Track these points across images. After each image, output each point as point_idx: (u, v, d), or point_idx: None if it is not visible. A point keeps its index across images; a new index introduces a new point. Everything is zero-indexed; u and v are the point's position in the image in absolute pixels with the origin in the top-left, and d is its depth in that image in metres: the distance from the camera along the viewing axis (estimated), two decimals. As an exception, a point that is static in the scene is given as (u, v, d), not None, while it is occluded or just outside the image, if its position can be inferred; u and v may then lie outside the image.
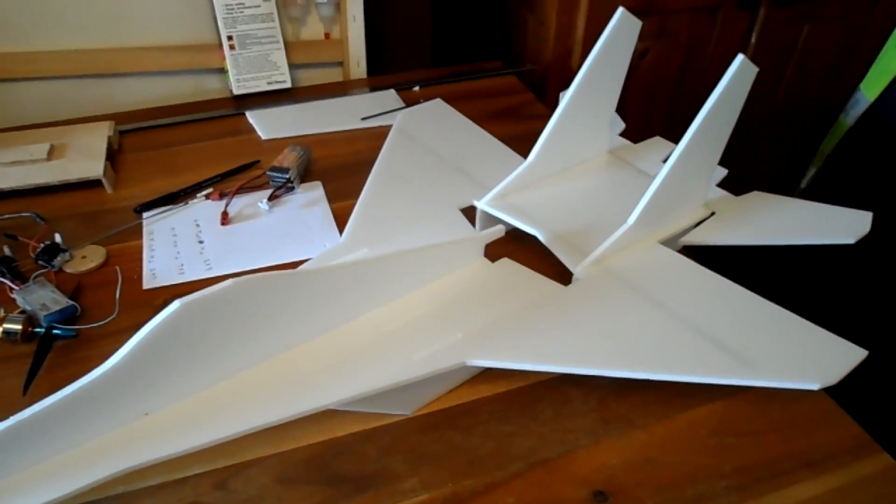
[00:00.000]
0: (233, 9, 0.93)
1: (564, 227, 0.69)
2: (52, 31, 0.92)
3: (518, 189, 0.73)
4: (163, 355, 0.48)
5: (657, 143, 0.82)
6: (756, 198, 0.74)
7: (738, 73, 0.63)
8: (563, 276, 0.66)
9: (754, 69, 0.64)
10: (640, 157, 0.80)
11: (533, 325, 0.59)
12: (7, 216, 0.75)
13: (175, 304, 0.46)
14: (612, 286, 0.63)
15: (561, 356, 0.57)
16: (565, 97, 0.71)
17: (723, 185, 0.76)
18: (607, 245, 0.65)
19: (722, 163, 0.75)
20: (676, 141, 0.65)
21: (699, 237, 0.70)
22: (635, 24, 0.72)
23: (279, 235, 0.74)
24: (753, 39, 1.14)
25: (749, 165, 1.30)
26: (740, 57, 0.63)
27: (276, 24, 0.96)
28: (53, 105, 0.94)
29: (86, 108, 0.95)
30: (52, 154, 0.81)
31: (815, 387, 0.54)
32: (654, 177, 0.65)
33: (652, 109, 1.18)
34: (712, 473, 0.53)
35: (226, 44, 0.95)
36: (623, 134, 0.86)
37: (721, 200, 0.74)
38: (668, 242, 0.69)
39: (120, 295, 0.66)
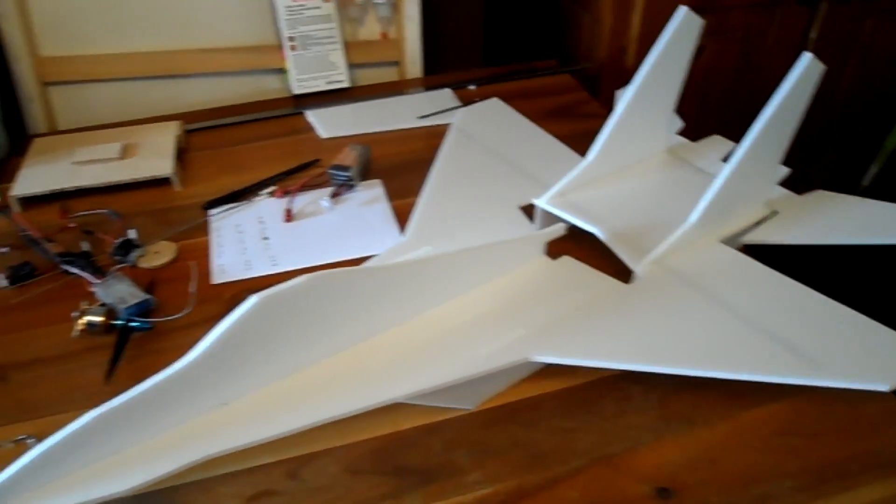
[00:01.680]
0: (294, 10, 0.96)
1: (623, 226, 0.69)
2: (123, 35, 0.96)
3: (577, 187, 0.73)
4: (240, 347, 0.50)
5: (716, 142, 0.82)
6: (819, 197, 0.73)
7: (805, 71, 0.62)
8: (621, 274, 0.66)
9: (820, 67, 0.64)
10: (699, 156, 0.79)
11: (595, 322, 0.60)
12: (83, 213, 0.79)
13: (253, 299, 0.48)
14: (674, 284, 0.63)
15: (623, 353, 0.57)
16: (625, 96, 0.71)
17: (784, 183, 0.76)
18: (668, 243, 0.65)
19: (783, 161, 0.74)
20: (734, 139, 0.65)
21: (762, 236, 0.69)
22: (697, 23, 0.72)
23: (341, 232, 0.76)
24: (813, 35, 1.12)
25: (811, 164, 1.28)
26: (807, 55, 0.62)
27: (336, 24, 0.98)
28: (122, 105, 0.98)
29: (152, 107, 0.98)
30: (124, 153, 0.85)
31: (885, 388, 0.54)
32: (713, 175, 0.65)
33: (706, 107, 1.17)
34: (777, 473, 0.53)
35: (287, 45, 0.97)
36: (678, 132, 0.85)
37: (783, 199, 0.73)
38: (729, 241, 0.68)
39: (196, 290, 0.69)
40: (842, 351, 0.57)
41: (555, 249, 0.68)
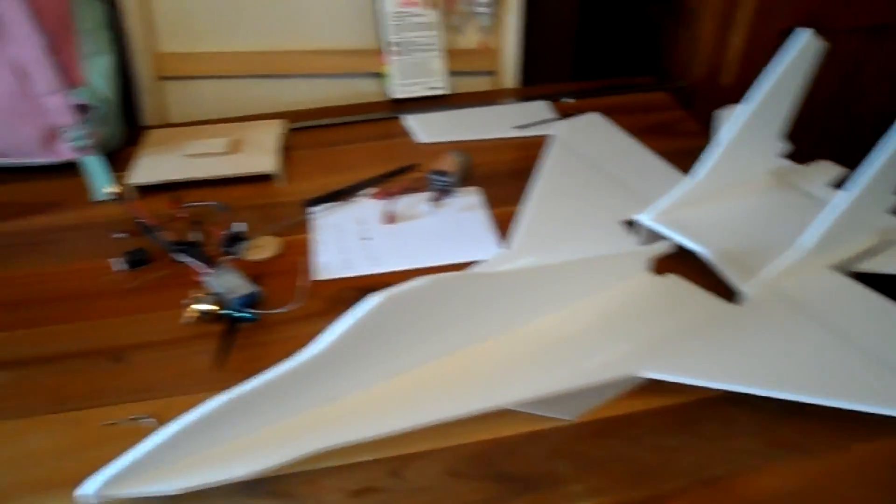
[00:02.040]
0: (400, 17, 0.98)
1: (729, 246, 0.68)
2: (234, 35, 0.99)
3: (680, 205, 0.72)
4: (357, 344, 0.51)
5: (824, 167, 0.80)
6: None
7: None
8: (724, 296, 0.65)
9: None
10: (806, 180, 0.78)
11: (702, 341, 0.59)
12: (193, 204, 0.82)
13: (377, 297, 0.50)
14: (783, 308, 0.62)
15: (732, 374, 0.57)
16: (738, 115, 0.70)
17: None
18: (778, 266, 0.64)
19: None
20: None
21: (875, 265, 0.67)
22: (818, 47, 0.70)
23: (440, 237, 0.77)
24: (924, 61, 1.09)
25: None
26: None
27: (438, 32, 1.00)
28: (226, 101, 1.01)
29: (254, 105, 1.01)
30: (231, 148, 0.88)
31: None
32: (822, 200, 0.64)
33: (804, 130, 1.14)
34: (893, 512, 0.51)
35: (390, 50, 0.99)
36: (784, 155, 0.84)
37: (894, 228, 0.71)
38: (838, 268, 0.67)
39: (305, 285, 0.71)
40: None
41: (658, 267, 0.68)
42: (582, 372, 0.56)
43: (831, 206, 0.63)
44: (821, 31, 1.03)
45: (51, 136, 0.84)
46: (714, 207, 0.73)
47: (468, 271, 0.57)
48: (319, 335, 0.51)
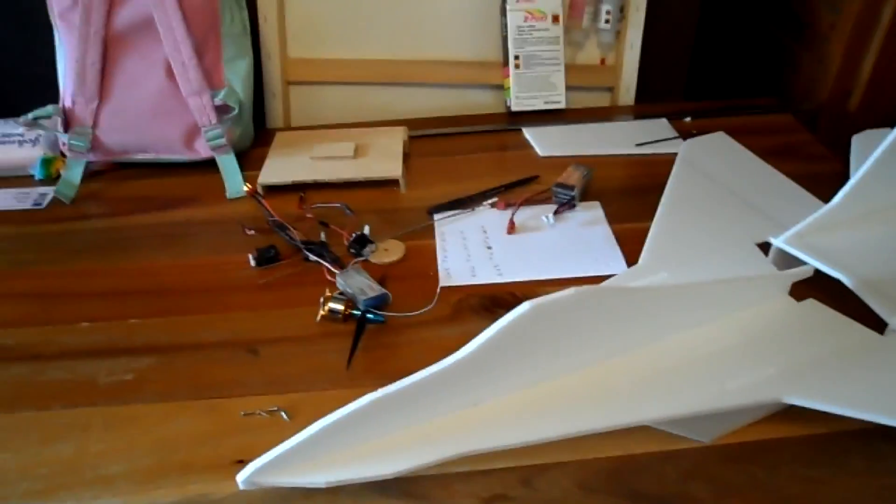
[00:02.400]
0: (524, 30, 0.99)
1: (873, 274, 0.66)
2: (359, 42, 1.02)
3: (817, 230, 0.70)
4: (503, 351, 0.51)
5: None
6: None
7: None
8: (866, 324, 0.63)
9: None
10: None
11: (849, 370, 0.57)
12: (319, 205, 0.84)
13: (525, 306, 0.50)
14: (935, 341, 0.59)
15: (883, 406, 0.54)
16: (888, 139, 0.68)
17: None
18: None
19: None
20: None
21: None
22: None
23: (563, 250, 0.77)
24: None
25: None
26: None
27: (561, 46, 1.01)
28: (348, 108, 1.04)
29: (374, 112, 1.04)
30: (356, 153, 0.90)
31: None
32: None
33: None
34: None
35: (512, 62, 1.00)
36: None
37: None
38: None
39: (435, 289, 0.72)
40: None
41: (795, 292, 0.66)
42: (724, 394, 0.55)
43: None
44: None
45: (192, 134, 0.89)
46: (855, 233, 0.71)
47: (607, 285, 0.56)
48: (467, 342, 0.51)
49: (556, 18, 0.99)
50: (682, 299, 0.59)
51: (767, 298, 0.63)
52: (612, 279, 0.69)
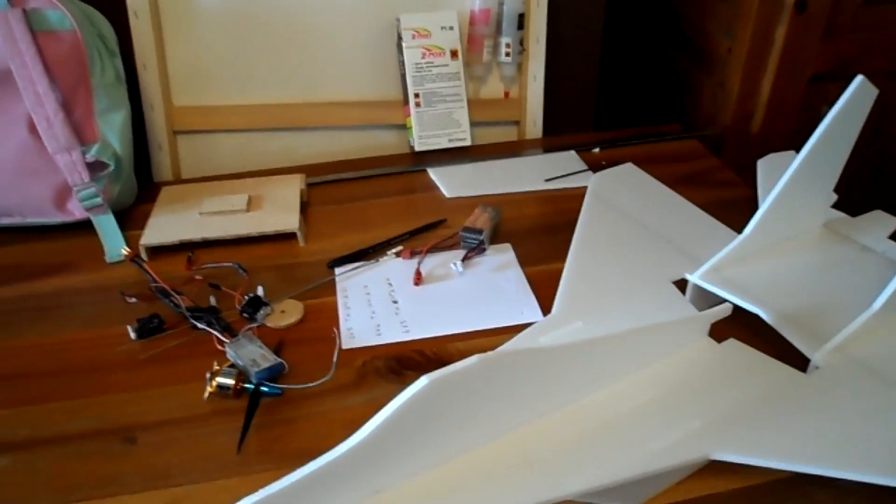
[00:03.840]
0: (422, 67, 0.95)
1: (790, 307, 0.64)
2: (250, 87, 0.96)
3: (731, 262, 0.68)
4: (403, 432, 0.46)
5: (879, 218, 0.76)
6: None
7: None
8: (788, 359, 0.60)
9: None
10: (862, 232, 0.73)
11: (775, 416, 0.55)
12: (210, 265, 0.78)
13: (423, 381, 0.45)
14: (860, 377, 0.57)
15: (812, 454, 0.51)
16: (792, 167, 0.66)
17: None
18: (850, 330, 0.59)
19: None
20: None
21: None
22: (871, 93, 0.67)
23: (474, 299, 0.72)
24: (962, 107, 1.05)
25: None
26: None
27: (462, 82, 0.97)
28: (243, 155, 0.98)
29: (271, 158, 0.98)
30: (250, 205, 0.84)
31: None
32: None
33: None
34: None
35: (412, 101, 0.96)
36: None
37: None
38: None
39: (338, 358, 0.66)
40: None
41: (716, 331, 0.63)
42: (649, 455, 0.51)
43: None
44: (850, 77, 1.01)
45: (64, 193, 0.81)
46: (767, 264, 0.69)
47: (515, 347, 0.52)
48: (374, 411, 0.46)
49: (454, 54, 0.95)
50: (598, 354, 0.55)
51: (687, 343, 0.60)
52: (524, 333, 0.65)
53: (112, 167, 0.80)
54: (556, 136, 1.05)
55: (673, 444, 0.51)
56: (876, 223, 0.75)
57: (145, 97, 0.91)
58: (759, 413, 0.54)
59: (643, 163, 0.95)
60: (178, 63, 0.93)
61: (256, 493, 0.43)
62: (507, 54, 0.97)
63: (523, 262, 0.78)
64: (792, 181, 0.66)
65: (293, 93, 0.97)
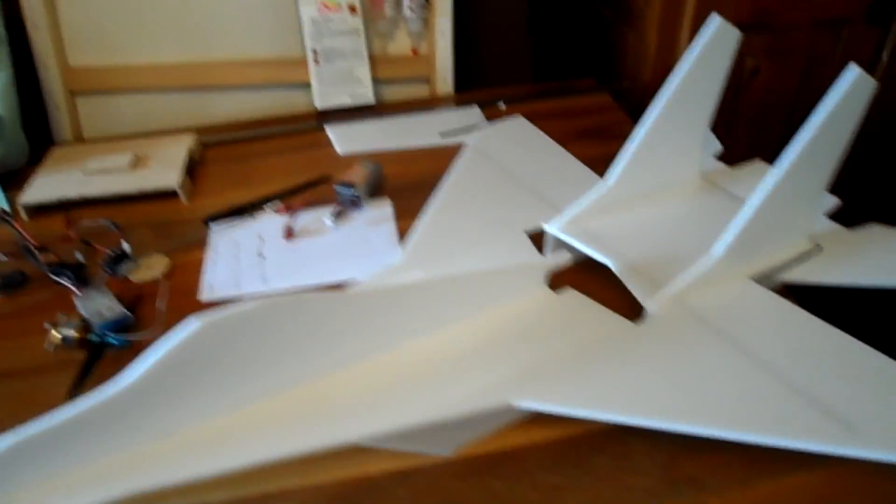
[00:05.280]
0: (319, 23, 0.93)
1: (642, 258, 0.62)
2: (150, 47, 0.95)
3: (594, 214, 0.66)
4: (182, 374, 0.45)
5: (758, 168, 0.73)
6: (874, 232, 0.64)
7: (852, 87, 0.54)
8: (638, 313, 0.59)
9: (871, 84, 0.55)
10: (738, 183, 0.71)
11: (594, 365, 0.53)
12: (87, 223, 0.77)
13: (194, 323, 0.44)
14: (690, 326, 0.55)
15: (624, 404, 0.50)
16: (650, 113, 0.64)
17: (836, 217, 0.67)
18: (687, 278, 0.57)
19: (835, 192, 0.65)
20: None
21: (801, 275, 0.60)
22: (733, 35, 0.64)
23: (341, 253, 0.71)
24: (885, 57, 1.01)
25: (867, 196, 1.16)
26: (854, 68, 0.54)
27: (363, 38, 0.95)
28: (147, 116, 0.97)
29: (177, 120, 0.97)
30: (134, 164, 0.83)
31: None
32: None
33: (763, 134, 1.08)
34: (797, 558, 0.45)
35: (311, 57, 0.94)
36: (728, 160, 0.77)
37: (831, 234, 0.64)
38: (763, 279, 0.60)
39: (165, 308, 0.65)
40: (891, 416, 0.48)
41: (565, 281, 0.62)
42: (451, 403, 0.49)
43: (743, 209, 0.57)
44: (775, 25, 0.98)
45: (-62, 154, 0.81)
46: (633, 215, 0.67)
47: (317, 292, 0.50)
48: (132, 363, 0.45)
49: (353, 9, 0.93)
50: (420, 300, 0.53)
51: (522, 291, 0.58)
52: (359, 282, 0.64)
53: (-10, 127, 0.80)
54: (468, 91, 1.03)
55: (475, 392, 0.50)
56: (754, 173, 0.72)
57: (38, 57, 0.91)
58: (578, 362, 0.53)
59: (549, 117, 0.93)
60: (71, 22, 0.92)
61: (23, 429, 0.43)
62: (411, 10, 0.95)
63: (400, 216, 0.76)
64: (652, 128, 0.64)
65: (193, 52, 0.96)
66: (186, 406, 0.47)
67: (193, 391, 0.46)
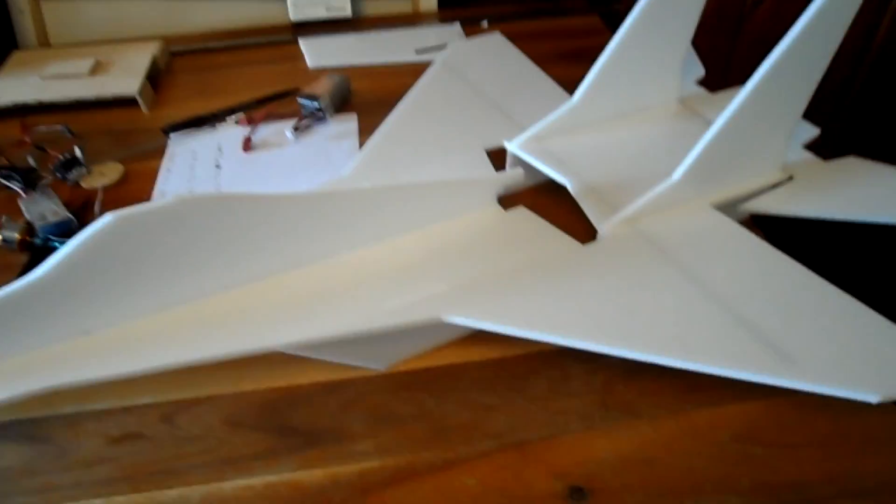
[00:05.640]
0: (293, -73, 0.88)
1: (603, 180, 0.59)
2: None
3: (560, 133, 0.63)
4: (100, 271, 0.44)
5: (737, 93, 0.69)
6: (850, 164, 0.61)
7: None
8: (585, 237, 0.56)
9: (856, -1, 0.51)
10: (716, 108, 0.67)
11: (534, 285, 0.51)
12: (43, 128, 0.75)
13: (106, 217, 0.42)
14: (640, 250, 0.53)
15: (562, 325, 0.48)
16: (621, 30, 0.60)
17: (814, 148, 0.63)
18: (643, 201, 0.55)
19: (815, 120, 0.62)
20: None
21: (767, 205, 0.58)
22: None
23: (298, 166, 0.69)
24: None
25: (851, 125, 1.09)
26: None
27: (340, -55, 0.91)
28: (117, 24, 0.93)
29: (149, 28, 0.93)
30: (95, 70, 0.80)
31: (873, 399, 0.43)
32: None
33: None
34: (725, 487, 0.43)
35: (284, -34, 0.90)
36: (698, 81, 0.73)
37: (805, 164, 0.61)
38: (727, 208, 0.57)
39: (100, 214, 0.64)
40: (830, 349, 0.45)
41: (520, 200, 0.59)
42: (380, 314, 0.48)
43: (708, 132, 0.54)
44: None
45: None
46: (600, 137, 0.64)
47: (240, 193, 0.48)
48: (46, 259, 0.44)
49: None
50: (359, 208, 0.51)
51: (471, 207, 0.56)
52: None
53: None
54: (452, 8, 0.98)
55: (408, 304, 0.48)
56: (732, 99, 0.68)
57: (-1, -44, 0.87)
58: (517, 281, 0.51)
59: (534, 37, 0.88)
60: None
61: None
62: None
63: (366, 132, 0.73)
64: (625, 42, 0.61)
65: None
66: (103, 305, 0.46)
67: (109, 289, 0.45)
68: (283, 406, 0.49)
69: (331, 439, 0.47)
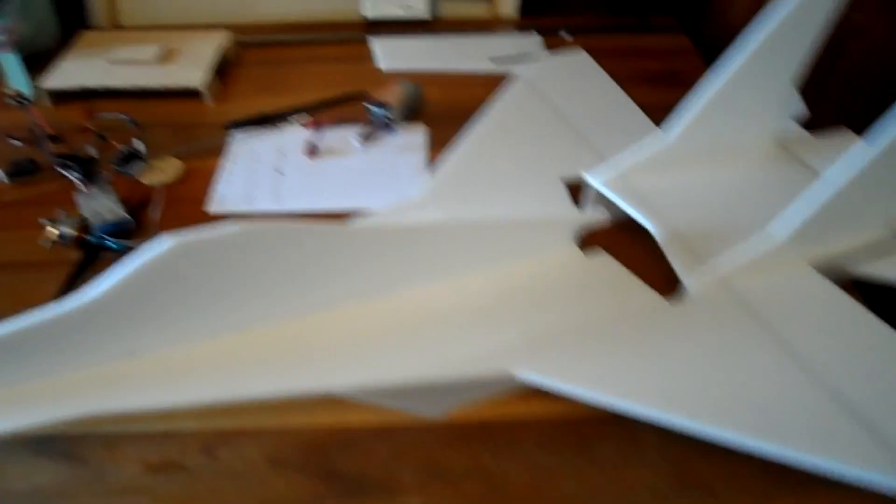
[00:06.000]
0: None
1: (691, 227, 0.54)
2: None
3: (645, 169, 0.58)
4: (154, 294, 0.41)
5: (842, 137, 0.64)
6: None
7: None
8: (676, 291, 0.52)
9: None
10: (815, 152, 0.62)
11: (613, 343, 0.46)
12: (106, 115, 0.73)
13: (167, 242, 0.40)
14: (732, 313, 0.48)
15: (640, 392, 0.44)
16: (728, 63, 0.55)
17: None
18: (738, 258, 0.50)
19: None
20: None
21: (874, 269, 0.52)
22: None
23: (364, 178, 0.66)
24: None
25: None
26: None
27: (421, -56, 0.87)
28: (188, 9, 0.91)
29: (220, 15, 0.91)
30: (162, 58, 0.78)
31: None
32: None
33: (855, 106, 0.96)
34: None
35: (364, -38, 0.87)
36: (814, 127, 0.68)
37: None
38: (826, 266, 0.52)
39: (158, 217, 0.61)
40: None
41: (599, 243, 0.55)
42: (445, 364, 0.44)
43: (818, 186, 0.48)
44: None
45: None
46: (689, 177, 0.59)
47: (305, 223, 0.45)
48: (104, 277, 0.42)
49: None
50: (426, 244, 0.48)
51: (546, 247, 0.52)
52: (368, 215, 0.58)
53: (16, 2, 0.76)
54: (533, 16, 0.93)
55: (476, 354, 0.44)
56: (836, 143, 0.62)
57: (75, -66, 0.85)
58: (597, 338, 0.47)
59: (617, 55, 0.83)
60: None
61: None
62: (479, -85, 0.86)
63: (435, 146, 0.70)
64: (730, 79, 0.55)
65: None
66: (154, 329, 0.43)
67: (162, 314, 0.42)
68: (330, 447, 0.46)
69: (377, 490, 0.44)
